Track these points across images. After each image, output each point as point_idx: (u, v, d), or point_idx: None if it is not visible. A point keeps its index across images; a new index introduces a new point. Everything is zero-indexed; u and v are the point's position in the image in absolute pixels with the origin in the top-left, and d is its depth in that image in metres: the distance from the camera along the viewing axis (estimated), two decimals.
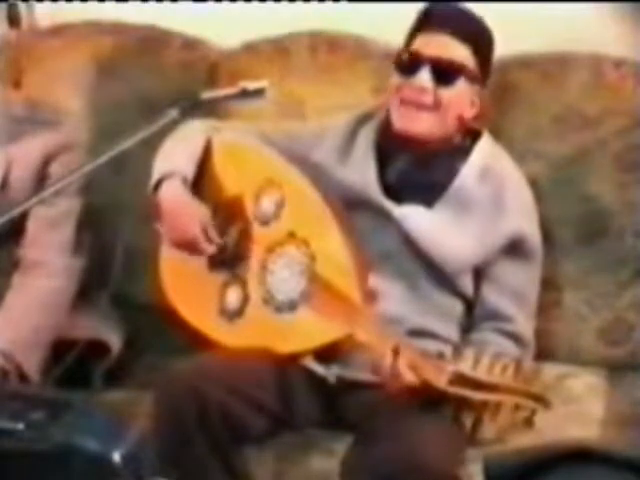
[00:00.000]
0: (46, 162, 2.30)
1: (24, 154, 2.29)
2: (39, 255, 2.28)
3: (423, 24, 2.18)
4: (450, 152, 2.20)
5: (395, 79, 2.18)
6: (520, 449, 1.59)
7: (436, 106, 2.14)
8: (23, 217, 2.23)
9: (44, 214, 2.27)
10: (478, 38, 2.17)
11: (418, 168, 2.19)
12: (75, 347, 2.29)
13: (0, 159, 2.28)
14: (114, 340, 2.36)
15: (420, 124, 2.15)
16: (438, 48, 2.14)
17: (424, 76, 2.13)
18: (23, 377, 2.21)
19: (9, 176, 2.29)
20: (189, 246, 2.21)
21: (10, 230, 2.15)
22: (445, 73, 2.13)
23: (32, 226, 2.28)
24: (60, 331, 2.28)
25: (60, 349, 2.28)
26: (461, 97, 2.16)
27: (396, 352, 1.92)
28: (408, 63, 2.16)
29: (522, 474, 1.47)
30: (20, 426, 1.48)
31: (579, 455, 1.48)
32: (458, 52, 2.14)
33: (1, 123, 2.30)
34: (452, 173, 2.18)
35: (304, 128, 2.37)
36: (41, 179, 2.28)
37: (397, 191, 2.19)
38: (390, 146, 2.21)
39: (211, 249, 2.21)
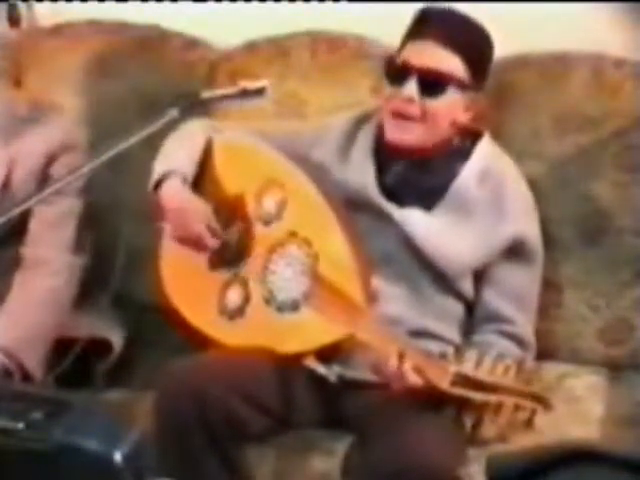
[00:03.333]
0: (48, 162, 2.30)
1: (26, 154, 2.29)
2: (40, 253, 2.29)
3: (415, 32, 2.16)
4: (449, 154, 2.19)
5: (386, 89, 2.18)
6: (522, 449, 1.59)
7: (423, 117, 2.13)
8: (25, 216, 2.23)
9: (45, 213, 2.27)
10: (470, 46, 2.13)
11: (417, 170, 2.18)
12: (76, 345, 2.29)
13: (2, 159, 2.28)
14: (115, 339, 2.36)
15: (409, 135, 2.14)
16: (426, 58, 2.12)
17: (411, 87, 2.11)
18: (26, 375, 2.21)
19: (11, 176, 2.29)
20: (194, 242, 2.21)
21: (12, 229, 2.16)
22: (432, 84, 2.11)
23: (34, 225, 2.29)
24: (61, 330, 2.28)
25: (62, 348, 2.28)
26: (451, 106, 2.14)
27: (402, 355, 1.92)
28: (397, 73, 2.14)
29: (524, 474, 1.47)
30: (20, 426, 1.47)
31: (581, 455, 1.48)
32: (447, 62, 2.12)
33: (4, 123, 2.30)
34: (451, 175, 2.18)
35: (304, 127, 2.37)
36: (43, 179, 2.28)
37: (397, 193, 2.18)
38: (387, 151, 2.20)
39: (216, 244, 2.21)
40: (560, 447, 1.53)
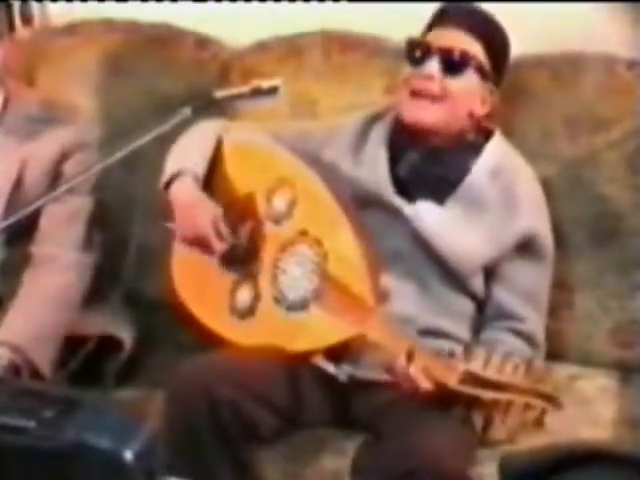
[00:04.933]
0: (60, 160, 2.31)
1: (39, 152, 2.30)
2: (50, 251, 2.29)
3: (437, 21, 2.20)
4: (462, 149, 2.20)
5: (406, 70, 2.19)
6: (535, 449, 1.59)
7: (443, 95, 2.14)
8: (36, 214, 2.23)
9: (57, 211, 2.28)
10: (490, 36, 2.17)
11: (429, 164, 2.19)
12: (87, 343, 2.29)
13: (15, 158, 2.29)
14: (126, 337, 2.37)
15: (428, 115, 2.15)
16: (449, 40, 2.15)
17: (432, 65, 2.14)
18: (35, 372, 2.21)
19: (24, 174, 2.29)
20: (201, 243, 2.22)
21: (23, 227, 2.16)
22: (453, 63, 2.14)
23: (44, 223, 2.29)
24: (72, 327, 2.28)
25: (72, 346, 2.28)
26: (470, 90, 2.16)
27: (410, 356, 1.92)
28: (419, 54, 2.17)
29: (537, 475, 1.47)
30: (31, 423, 1.47)
31: (593, 456, 1.48)
32: (468, 45, 2.15)
33: (17, 123, 2.31)
34: (464, 170, 2.18)
35: (316, 126, 2.37)
36: (55, 177, 2.29)
37: (408, 188, 2.19)
38: (402, 142, 2.21)
39: (222, 246, 2.21)
40: (572, 448, 1.52)
